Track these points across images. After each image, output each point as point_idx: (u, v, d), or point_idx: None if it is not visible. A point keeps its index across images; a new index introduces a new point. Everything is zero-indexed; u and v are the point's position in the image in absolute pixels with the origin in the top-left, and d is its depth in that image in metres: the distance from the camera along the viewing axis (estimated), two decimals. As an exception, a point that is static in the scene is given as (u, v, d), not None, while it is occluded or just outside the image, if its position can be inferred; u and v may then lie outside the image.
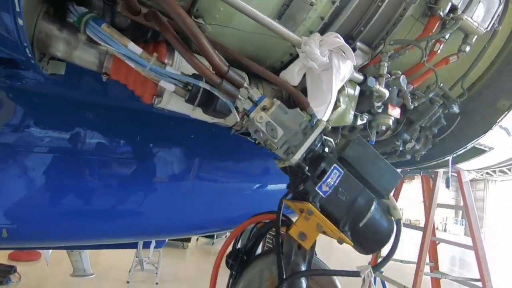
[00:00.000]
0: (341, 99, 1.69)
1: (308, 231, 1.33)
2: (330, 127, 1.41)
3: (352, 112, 1.79)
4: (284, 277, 1.24)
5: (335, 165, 1.32)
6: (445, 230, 38.99)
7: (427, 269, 5.59)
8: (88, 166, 2.83)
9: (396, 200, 5.90)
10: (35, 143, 2.54)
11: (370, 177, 1.37)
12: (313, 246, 1.36)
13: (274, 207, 1.54)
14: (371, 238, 1.33)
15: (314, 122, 1.37)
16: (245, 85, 1.36)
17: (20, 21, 1.04)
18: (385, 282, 5.50)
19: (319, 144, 1.37)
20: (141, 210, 3.28)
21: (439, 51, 1.81)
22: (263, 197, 3.22)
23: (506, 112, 2.05)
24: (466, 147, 2.26)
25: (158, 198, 3.37)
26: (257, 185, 3.17)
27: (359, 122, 1.82)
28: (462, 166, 2.99)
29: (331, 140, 1.37)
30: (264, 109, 1.35)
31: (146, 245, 4.36)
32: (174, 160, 3.34)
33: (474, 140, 2.20)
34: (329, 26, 1.63)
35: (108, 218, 3.15)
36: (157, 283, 8.09)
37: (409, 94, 1.80)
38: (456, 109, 2.05)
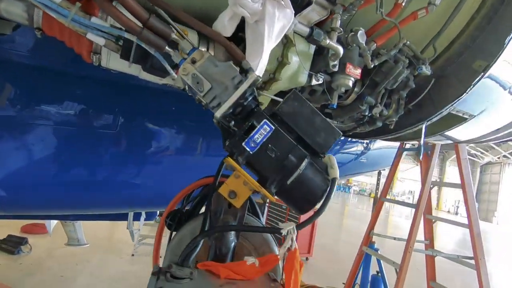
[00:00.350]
0: (290, 56, 1.58)
1: (238, 189, 1.29)
2: (260, 79, 1.32)
3: (306, 72, 1.69)
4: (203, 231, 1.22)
5: (265, 120, 1.25)
6: (456, 213, 38.44)
7: (421, 246, 5.55)
8: (73, 137, 2.88)
9: (392, 178, 5.77)
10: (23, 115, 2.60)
11: (305, 134, 1.29)
12: (244, 205, 1.33)
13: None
14: (301, 196, 1.27)
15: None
16: (173, 36, 1.28)
17: None
18: (380, 260, 5.51)
19: (250, 98, 1.30)
20: (127, 181, 3.34)
21: (403, 4, 1.66)
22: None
23: (482, 74, 1.89)
24: (441, 114, 2.12)
25: (145, 170, 3.41)
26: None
27: (314, 82, 1.72)
28: (453, 134, 2.81)
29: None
30: (193, 61, 1.28)
31: (137, 218, 4.48)
32: (162, 134, 3.36)
33: (448, 106, 2.05)
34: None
35: (93, 188, 3.22)
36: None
37: (368, 52, 1.67)
38: (426, 70, 1.90)
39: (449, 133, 2.61)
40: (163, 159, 3.45)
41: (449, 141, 3.34)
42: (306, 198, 1.27)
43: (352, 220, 22.63)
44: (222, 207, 1.33)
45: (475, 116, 2.29)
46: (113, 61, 1.55)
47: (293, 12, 1.34)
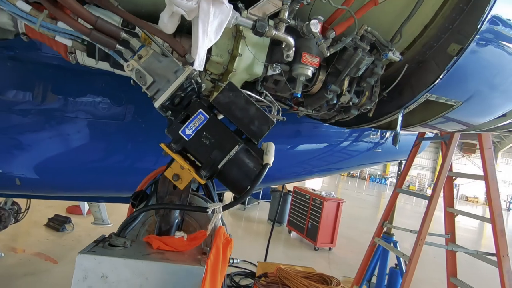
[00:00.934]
0: (241, 48, 1.66)
1: (181, 173, 1.44)
2: (196, 72, 1.42)
3: (262, 63, 1.75)
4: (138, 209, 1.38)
5: (200, 110, 1.37)
6: (509, 209, 35.08)
7: (441, 241, 5.28)
8: (89, 126, 3.26)
9: (408, 169, 5.52)
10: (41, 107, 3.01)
11: (239, 122, 1.38)
12: (187, 187, 1.46)
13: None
14: (234, 179, 1.37)
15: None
16: (123, 34, 1.44)
17: None
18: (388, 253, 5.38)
19: (189, 90, 1.41)
20: (141, 167, 3.66)
21: (359, -10, 1.64)
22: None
23: (456, 58, 1.78)
24: (417, 101, 2.04)
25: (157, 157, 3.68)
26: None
27: (271, 72, 1.78)
28: (470, 121, 2.61)
29: (202, 85, 1.40)
30: (140, 57, 1.43)
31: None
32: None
33: (423, 93, 1.97)
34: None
35: (110, 173, 3.59)
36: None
37: (322, 39, 1.67)
38: (394, 56, 1.85)
39: (459, 118, 2.45)
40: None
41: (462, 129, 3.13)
42: (238, 181, 1.37)
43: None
44: (168, 188, 1.49)
45: (463, 102, 2.17)
46: (87, 59, 1.76)
47: (231, 6, 1.42)
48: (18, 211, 6.57)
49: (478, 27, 1.69)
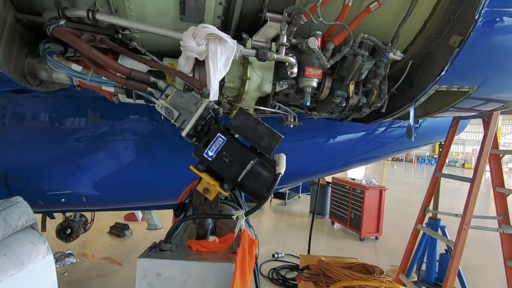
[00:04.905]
0: (249, 72, 1.90)
1: (209, 187, 1.73)
2: (212, 103, 1.68)
3: (269, 82, 1.97)
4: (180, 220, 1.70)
5: (218, 134, 1.64)
6: None
7: (494, 224, 5.01)
8: (135, 146, 3.76)
9: (447, 151, 5.30)
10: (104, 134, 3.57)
11: (252, 140, 1.63)
12: (216, 198, 1.75)
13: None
14: (253, 188, 1.63)
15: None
16: (151, 79, 1.77)
17: (0, 70, 1.69)
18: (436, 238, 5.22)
19: (208, 117, 1.69)
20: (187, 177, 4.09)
21: (350, 3, 1.77)
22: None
23: (458, 50, 1.82)
24: (426, 93, 2.09)
25: None
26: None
27: (278, 88, 1.99)
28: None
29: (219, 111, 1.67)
30: (167, 96, 1.75)
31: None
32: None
33: (431, 84, 2.01)
34: (233, 7, 1.81)
35: (159, 185, 4.07)
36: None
37: (321, 53, 1.84)
38: (395, 56, 1.93)
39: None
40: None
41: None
42: (257, 190, 1.62)
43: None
44: (201, 200, 1.79)
45: (478, 87, 2.17)
46: (127, 99, 2.14)
47: (235, 42, 1.66)
48: (85, 222, 7.54)
49: (476, 17, 1.73)
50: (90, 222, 7.48)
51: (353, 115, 2.45)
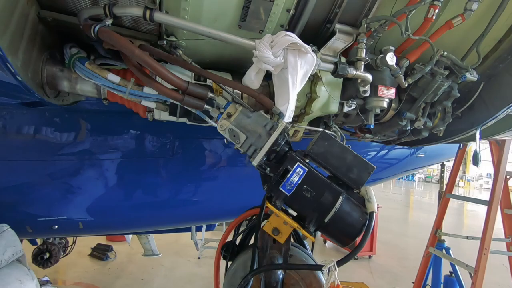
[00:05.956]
0: (318, 90, 1.65)
1: (280, 227, 1.42)
2: (289, 127, 1.41)
3: (337, 100, 1.73)
4: (249, 272, 1.36)
5: (298, 163, 1.35)
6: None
7: (502, 246, 4.97)
8: (142, 166, 3.35)
9: (456, 172, 5.27)
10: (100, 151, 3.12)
11: (338, 171, 1.35)
12: (288, 240, 1.44)
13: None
14: (340, 231, 1.34)
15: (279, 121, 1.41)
16: (209, 95, 1.46)
17: (19, 77, 1.32)
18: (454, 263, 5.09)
19: (283, 143, 1.40)
20: (190, 200, 3.71)
21: (434, 17, 1.59)
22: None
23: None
24: (496, 117, 1.94)
25: (204, 190, 3.73)
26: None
27: (346, 109, 1.75)
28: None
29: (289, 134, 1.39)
30: (229, 115, 1.44)
31: (198, 229, 4.89)
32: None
33: (505, 108, 1.87)
34: (300, 16, 1.58)
35: (161, 208, 3.66)
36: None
37: (399, 71, 1.63)
38: (472, 76, 1.77)
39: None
40: (219, 179, 3.70)
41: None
42: (345, 233, 1.33)
43: (419, 212, 20.87)
44: (268, 242, 1.47)
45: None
46: (163, 115, 1.80)
47: (315, 56, 1.41)
48: (65, 245, 6.80)
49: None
50: (71, 245, 6.76)
51: (407, 138, 2.25)
